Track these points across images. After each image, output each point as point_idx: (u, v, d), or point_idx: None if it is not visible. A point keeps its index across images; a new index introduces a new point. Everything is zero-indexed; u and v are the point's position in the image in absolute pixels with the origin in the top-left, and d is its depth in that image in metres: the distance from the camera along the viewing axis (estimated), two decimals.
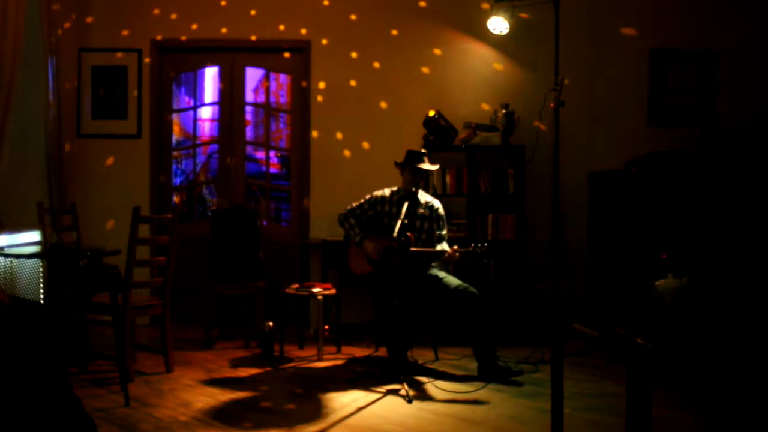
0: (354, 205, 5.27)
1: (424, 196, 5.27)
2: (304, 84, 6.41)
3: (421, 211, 5.20)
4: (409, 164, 5.16)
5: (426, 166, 5.17)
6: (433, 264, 5.23)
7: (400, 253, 4.69)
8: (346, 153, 6.37)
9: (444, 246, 5.10)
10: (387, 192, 5.30)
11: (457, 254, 4.89)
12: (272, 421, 3.91)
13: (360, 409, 4.14)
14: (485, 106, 6.27)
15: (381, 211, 5.23)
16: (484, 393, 4.45)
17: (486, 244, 4.95)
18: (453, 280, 4.99)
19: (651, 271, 2.96)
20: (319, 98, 6.39)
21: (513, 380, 4.68)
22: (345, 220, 5.21)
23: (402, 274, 4.67)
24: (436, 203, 5.30)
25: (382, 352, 5.44)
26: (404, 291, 4.65)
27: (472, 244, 4.94)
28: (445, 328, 5.90)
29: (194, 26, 6.37)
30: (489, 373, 4.75)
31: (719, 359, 2.02)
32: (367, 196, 5.31)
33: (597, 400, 4.31)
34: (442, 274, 5.08)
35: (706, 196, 5.57)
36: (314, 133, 6.39)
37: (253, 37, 6.39)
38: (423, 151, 5.25)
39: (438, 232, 5.21)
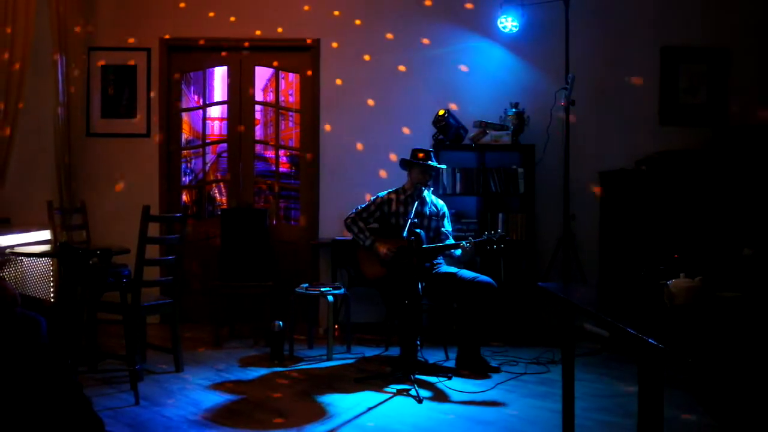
0: (359, 208, 5.27)
1: (429, 195, 5.27)
2: (313, 83, 6.40)
3: (429, 209, 5.20)
4: (418, 163, 5.16)
5: (435, 163, 5.20)
6: (443, 262, 5.24)
7: (416, 251, 4.67)
8: (356, 152, 6.35)
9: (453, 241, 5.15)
10: (392, 192, 5.30)
11: (474, 242, 4.94)
12: (282, 421, 3.90)
13: (370, 408, 4.13)
14: (495, 105, 6.23)
15: (388, 211, 5.23)
16: (495, 393, 4.44)
17: (500, 230, 5.01)
18: (468, 273, 5.02)
19: (663, 270, 2.94)
20: (328, 97, 6.38)
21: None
22: (353, 224, 5.21)
23: (417, 273, 4.65)
24: (441, 201, 5.35)
25: (392, 351, 5.43)
26: (420, 290, 4.64)
27: (486, 233, 4.98)
28: (455, 328, 5.89)
29: (203, 25, 6.37)
30: (469, 362, 4.92)
31: (732, 360, 2.00)
32: (372, 198, 5.31)
33: (608, 400, 4.29)
34: (454, 269, 5.10)
35: (719, 196, 5.53)
36: (323, 132, 6.38)
37: (262, 36, 6.38)
38: (429, 149, 5.27)
39: (444, 229, 5.23)
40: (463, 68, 6.35)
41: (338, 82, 6.37)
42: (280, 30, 6.38)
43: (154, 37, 6.39)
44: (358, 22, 6.37)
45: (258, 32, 6.38)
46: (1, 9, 5.69)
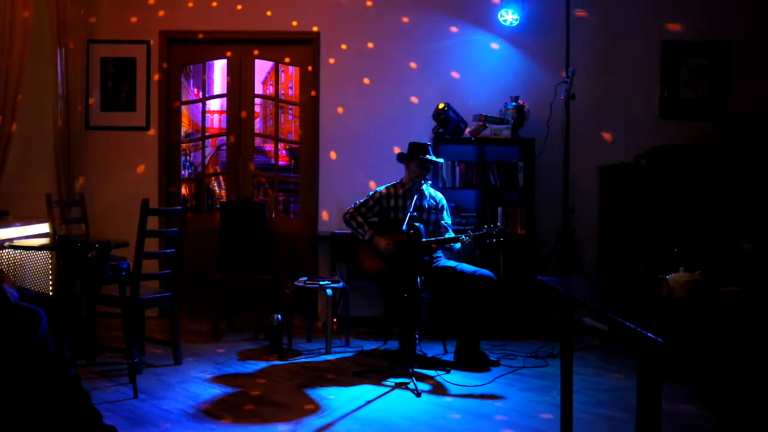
0: (358, 203, 5.26)
1: (427, 188, 5.27)
2: (312, 76, 6.39)
3: (427, 202, 5.20)
4: (415, 157, 5.16)
5: (433, 157, 5.21)
6: (442, 256, 5.23)
7: (415, 245, 4.66)
8: (355, 146, 6.34)
9: (453, 234, 5.15)
10: (390, 187, 5.30)
11: (473, 235, 4.94)
12: (280, 414, 3.90)
13: (368, 402, 4.13)
14: (495, 99, 6.22)
15: (387, 206, 5.23)
16: (494, 387, 4.44)
17: (499, 224, 5.04)
18: (468, 267, 5.03)
19: (662, 265, 2.93)
20: (328, 90, 6.36)
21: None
22: (352, 219, 5.20)
23: (417, 266, 4.64)
24: (440, 194, 5.34)
25: (391, 345, 5.43)
26: (419, 283, 4.64)
27: (485, 226, 5.00)
28: (454, 321, 5.89)
29: (203, 18, 6.35)
30: (468, 356, 4.92)
31: (731, 354, 1.99)
32: (370, 193, 5.31)
33: (607, 394, 4.29)
34: (454, 263, 5.10)
35: (719, 190, 5.52)
36: (323, 125, 6.36)
37: (262, 29, 6.36)
38: (427, 143, 5.27)
39: (444, 222, 5.23)
40: (464, 62, 6.33)
41: (337, 75, 6.34)
42: (280, 23, 6.35)
43: (153, 30, 6.36)
44: (358, 14, 6.34)
45: (258, 25, 6.35)
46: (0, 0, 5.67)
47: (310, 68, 6.40)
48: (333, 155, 6.35)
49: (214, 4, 6.35)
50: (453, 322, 5.33)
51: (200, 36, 6.38)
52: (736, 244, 4.66)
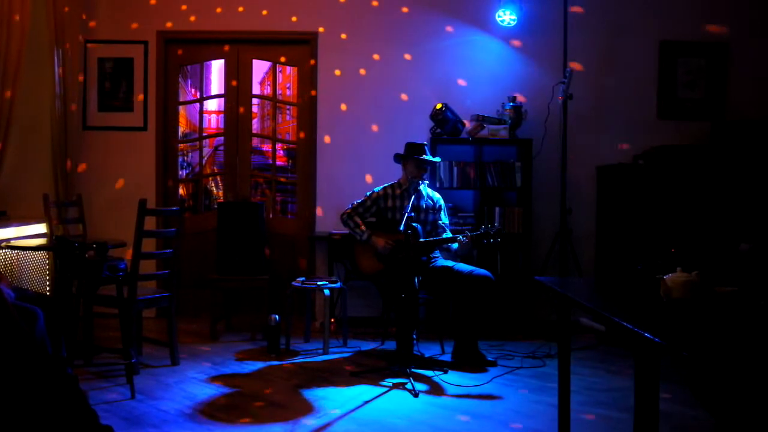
0: (355, 203, 5.27)
1: (425, 188, 5.27)
2: (310, 76, 6.38)
3: (425, 203, 5.21)
4: (412, 157, 5.17)
5: (430, 157, 5.21)
6: (439, 256, 5.23)
7: (413, 245, 4.66)
8: (353, 146, 6.33)
9: (450, 234, 5.15)
10: (388, 187, 5.30)
11: (471, 235, 4.95)
12: (278, 414, 3.90)
13: (366, 402, 4.13)
14: (493, 99, 6.22)
15: (384, 206, 5.24)
16: (491, 387, 4.44)
17: (496, 224, 5.04)
18: (465, 267, 5.04)
19: (660, 265, 2.93)
20: (326, 90, 6.36)
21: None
22: (349, 219, 5.20)
23: (414, 266, 4.64)
24: (437, 194, 5.34)
25: (389, 345, 5.43)
26: (417, 283, 4.64)
27: (482, 227, 5.00)
28: (451, 321, 5.89)
29: (201, 18, 6.34)
30: (465, 356, 4.92)
31: (729, 354, 2.00)
32: (368, 193, 5.31)
33: (604, 394, 4.29)
34: (451, 263, 5.10)
35: (716, 190, 5.53)
36: (320, 126, 6.36)
37: (260, 29, 6.35)
38: (423, 143, 5.27)
39: (441, 222, 5.24)
40: (461, 62, 6.33)
41: (336, 75, 6.34)
42: (278, 23, 6.35)
43: (151, 30, 6.35)
44: (356, 14, 6.34)
45: (256, 25, 6.35)
46: None
47: (308, 67, 6.39)
48: (330, 155, 6.34)
49: (212, 7, 6.34)
50: (450, 322, 5.33)
51: (198, 36, 6.37)
52: (734, 244, 4.66)
